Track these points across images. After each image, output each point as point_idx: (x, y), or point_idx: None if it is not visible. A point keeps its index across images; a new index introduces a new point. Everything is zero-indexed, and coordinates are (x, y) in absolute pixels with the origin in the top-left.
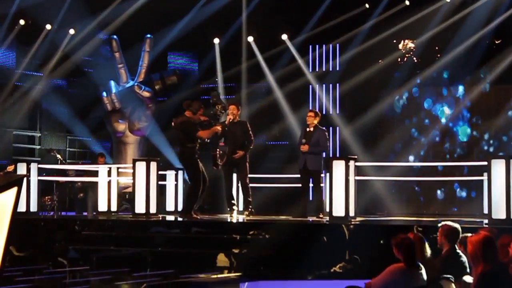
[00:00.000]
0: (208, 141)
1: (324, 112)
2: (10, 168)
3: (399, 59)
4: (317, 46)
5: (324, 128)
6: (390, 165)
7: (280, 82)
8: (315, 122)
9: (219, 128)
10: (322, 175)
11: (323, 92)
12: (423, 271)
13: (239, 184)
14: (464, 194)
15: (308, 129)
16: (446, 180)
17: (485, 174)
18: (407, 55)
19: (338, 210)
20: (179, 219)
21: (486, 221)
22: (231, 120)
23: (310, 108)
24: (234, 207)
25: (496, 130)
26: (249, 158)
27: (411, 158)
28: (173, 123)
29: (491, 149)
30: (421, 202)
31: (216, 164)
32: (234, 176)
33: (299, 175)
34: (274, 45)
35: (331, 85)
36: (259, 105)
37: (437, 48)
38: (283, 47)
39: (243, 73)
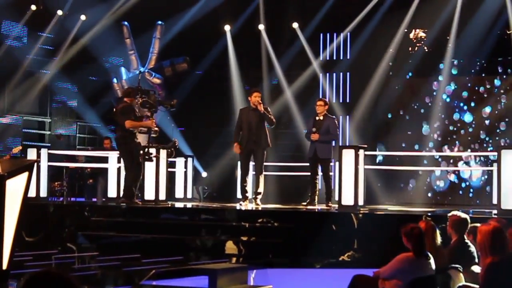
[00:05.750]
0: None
1: (334, 101)
2: (16, 149)
3: (409, 49)
4: (327, 34)
5: (333, 116)
6: (401, 154)
7: (289, 71)
8: (325, 110)
9: (148, 123)
10: (332, 163)
11: (331, 81)
12: (432, 261)
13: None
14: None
15: (317, 118)
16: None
17: (495, 164)
18: (418, 45)
19: (347, 199)
20: (188, 205)
21: (495, 211)
22: (252, 108)
23: (320, 97)
24: (247, 195)
25: None
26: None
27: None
28: (114, 110)
29: None
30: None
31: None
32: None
33: (307, 164)
34: (285, 34)
35: (341, 74)
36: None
37: (448, 38)
38: (293, 36)
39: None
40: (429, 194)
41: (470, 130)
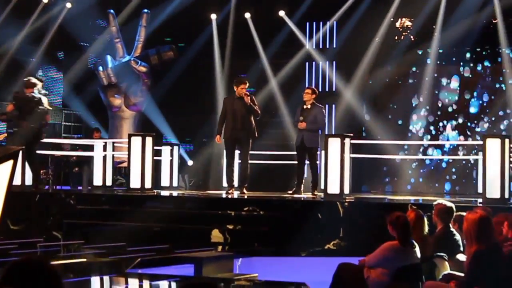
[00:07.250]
0: None
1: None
2: (1, 136)
3: (395, 37)
4: (314, 23)
5: (321, 105)
6: (387, 143)
7: (275, 60)
8: (312, 99)
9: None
10: (318, 152)
11: (317, 69)
12: (417, 249)
13: (239, 160)
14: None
15: (305, 106)
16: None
17: (480, 153)
18: (404, 33)
19: (333, 188)
20: (174, 194)
21: (480, 200)
22: (237, 97)
23: (307, 85)
24: (233, 183)
25: None
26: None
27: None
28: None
29: None
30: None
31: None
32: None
33: (294, 152)
34: (271, 22)
35: (327, 62)
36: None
37: (434, 27)
38: (279, 24)
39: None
40: (412, 180)
41: (455, 107)
